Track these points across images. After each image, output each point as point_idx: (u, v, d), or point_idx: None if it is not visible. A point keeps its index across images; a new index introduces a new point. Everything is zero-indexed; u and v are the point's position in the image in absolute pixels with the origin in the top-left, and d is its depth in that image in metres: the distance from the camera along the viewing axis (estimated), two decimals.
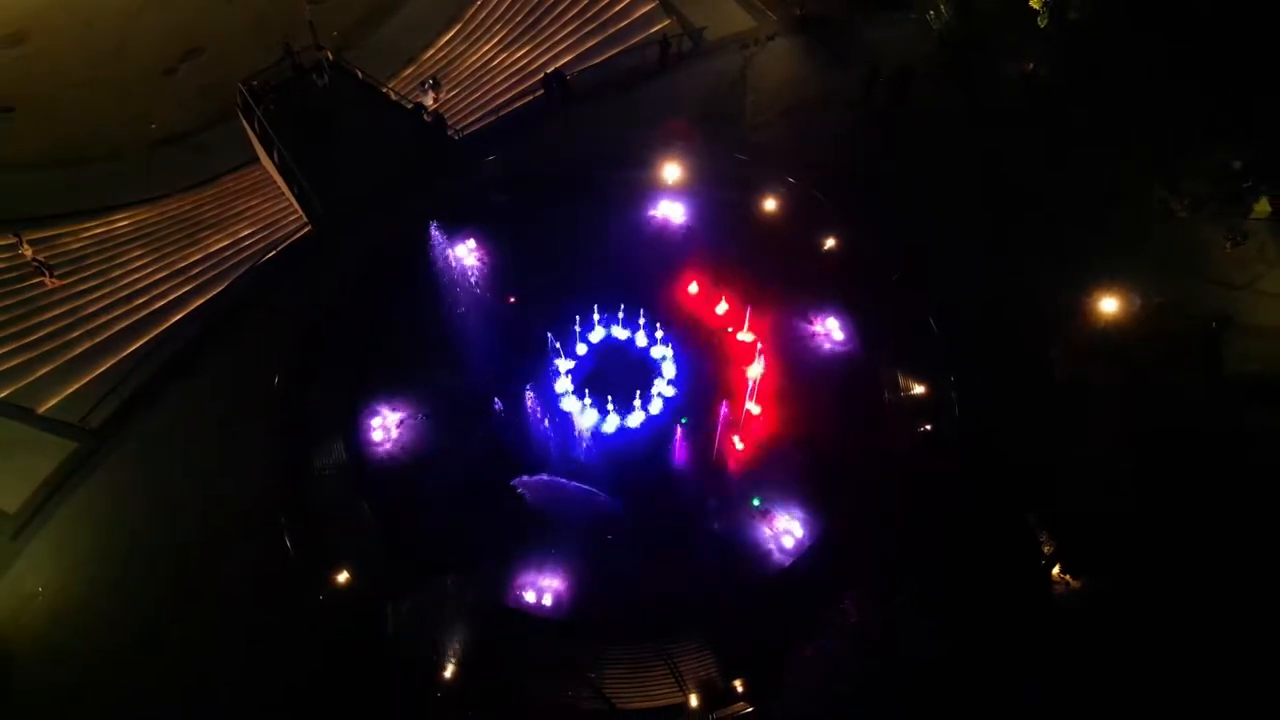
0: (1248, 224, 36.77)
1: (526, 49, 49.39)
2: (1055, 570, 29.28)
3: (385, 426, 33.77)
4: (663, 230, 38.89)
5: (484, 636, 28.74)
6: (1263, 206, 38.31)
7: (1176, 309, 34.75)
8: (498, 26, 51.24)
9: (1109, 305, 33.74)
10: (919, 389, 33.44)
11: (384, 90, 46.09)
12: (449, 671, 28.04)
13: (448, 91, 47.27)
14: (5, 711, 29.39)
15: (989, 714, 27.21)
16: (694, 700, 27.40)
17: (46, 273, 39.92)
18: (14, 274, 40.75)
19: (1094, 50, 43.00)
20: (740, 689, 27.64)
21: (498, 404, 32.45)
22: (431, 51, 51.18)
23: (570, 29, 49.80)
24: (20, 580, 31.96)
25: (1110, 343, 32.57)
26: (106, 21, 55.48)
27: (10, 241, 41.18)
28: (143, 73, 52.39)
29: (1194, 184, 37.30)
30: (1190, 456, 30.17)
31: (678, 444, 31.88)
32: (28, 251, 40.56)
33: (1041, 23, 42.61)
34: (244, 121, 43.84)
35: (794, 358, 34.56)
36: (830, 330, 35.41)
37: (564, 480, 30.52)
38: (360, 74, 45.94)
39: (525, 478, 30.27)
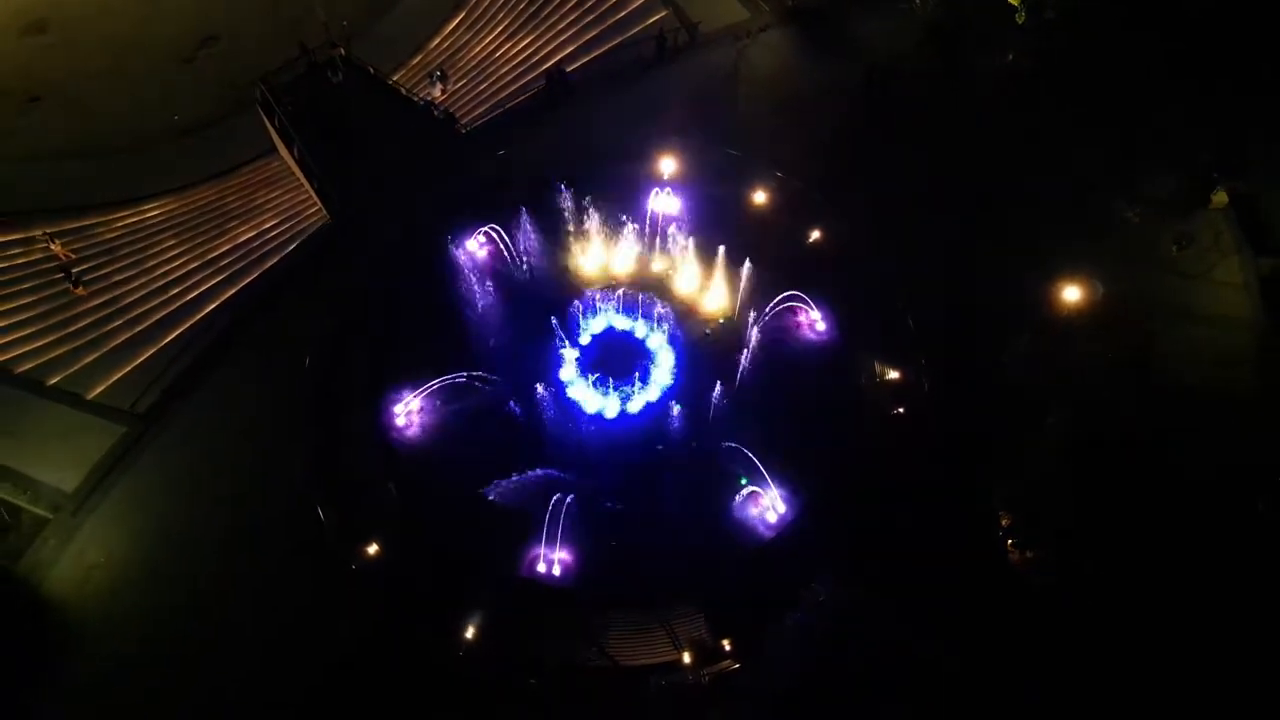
0: (1193, 228, 39.54)
1: (529, 39, 51.56)
2: (1010, 542, 32.67)
3: (408, 410, 36.81)
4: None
5: (500, 603, 32.26)
6: (1220, 197, 41.19)
7: (1129, 302, 37.79)
8: (501, 15, 53.27)
9: (1070, 294, 36.62)
10: (893, 374, 36.60)
11: (397, 87, 48.48)
12: (469, 634, 31.59)
13: (454, 83, 49.65)
14: (77, 671, 33.04)
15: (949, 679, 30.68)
16: (688, 658, 30.99)
17: (73, 283, 42.63)
18: (52, 264, 43.56)
19: (1071, 44, 45.31)
20: (729, 648, 31.20)
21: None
22: (437, 40, 53.22)
23: (570, 19, 51.89)
24: (82, 553, 35.52)
25: (1059, 345, 35.66)
26: (124, 9, 57.35)
27: (36, 234, 44.16)
28: (162, 62, 54.42)
29: (1157, 183, 40.19)
30: (1120, 456, 33.53)
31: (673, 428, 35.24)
32: (58, 249, 43.45)
33: (1020, 19, 44.91)
34: (265, 118, 46.21)
35: (778, 345, 37.50)
36: (812, 320, 38.28)
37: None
38: (372, 70, 48.18)
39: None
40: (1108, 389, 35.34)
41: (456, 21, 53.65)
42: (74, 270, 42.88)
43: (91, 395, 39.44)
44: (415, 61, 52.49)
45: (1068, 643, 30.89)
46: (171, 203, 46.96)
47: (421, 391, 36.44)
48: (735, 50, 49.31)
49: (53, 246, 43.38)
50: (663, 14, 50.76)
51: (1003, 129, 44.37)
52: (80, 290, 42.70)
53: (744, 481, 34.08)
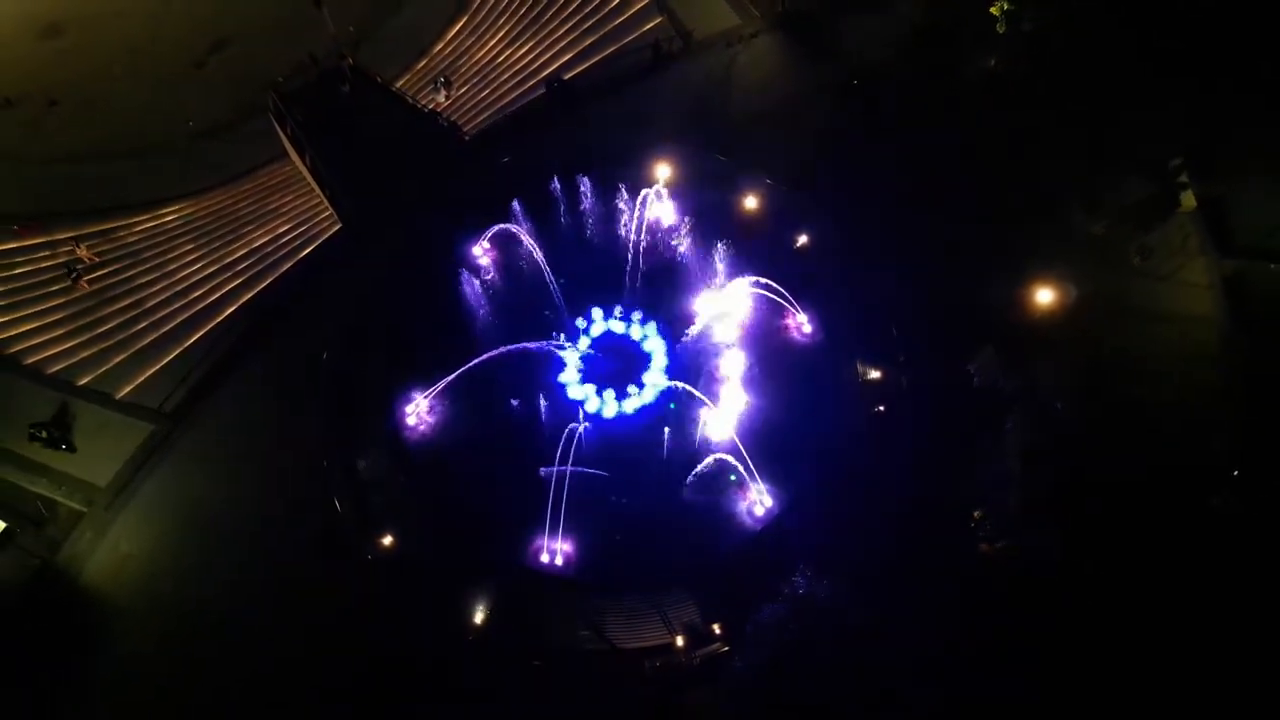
0: (1155, 239, 41.65)
1: (529, 45, 53.43)
2: (980, 534, 35.16)
3: (418, 410, 39.19)
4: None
5: (507, 591, 34.90)
6: (1189, 200, 43.18)
7: (1101, 304, 40.11)
8: (502, 20, 55.06)
9: (1044, 297, 38.73)
10: (874, 374, 39.03)
11: (404, 95, 50.52)
12: (478, 619, 34.21)
13: (457, 89, 51.59)
14: (115, 656, 35.71)
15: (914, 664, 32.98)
16: (680, 641, 33.64)
17: (74, 278, 44.96)
18: (80, 266, 45.79)
19: (1051, 53, 47.11)
20: (718, 632, 33.81)
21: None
22: (441, 45, 55.01)
23: (569, 25, 53.77)
24: (116, 544, 38.19)
25: (1031, 350, 38.45)
26: (136, 14, 59.13)
27: (62, 237, 46.43)
28: (175, 67, 56.29)
29: (1128, 192, 42.49)
30: (1085, 454, 36.18)
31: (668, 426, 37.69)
32: (84, 253, 45.73)
33: (1000, 29, 46.64)
34: (277, 127, 48.20)
35: (767, 348, 39.92)
36: (800, 324, 40.60)
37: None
38: (379, 79, 50.13)
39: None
40: (1075, 388, 37.70)
41: (459, 26, 55.42)
42: (76, 266, 45.15)
43: (120, 395, 41.92)
44: (420, 66, 54.32)
45: (1036, 629, 33.13)
46: (188, 207, 49.08)
47: (434, 389, 38.79)
48: (728, 56, 51.15)
49: (78, 250, 45.60)
50: (658, 20, 52.55)
51: (983, 136, 46.24)
52: (83, 285, 44.99)
53: (733, 478, 36.49)
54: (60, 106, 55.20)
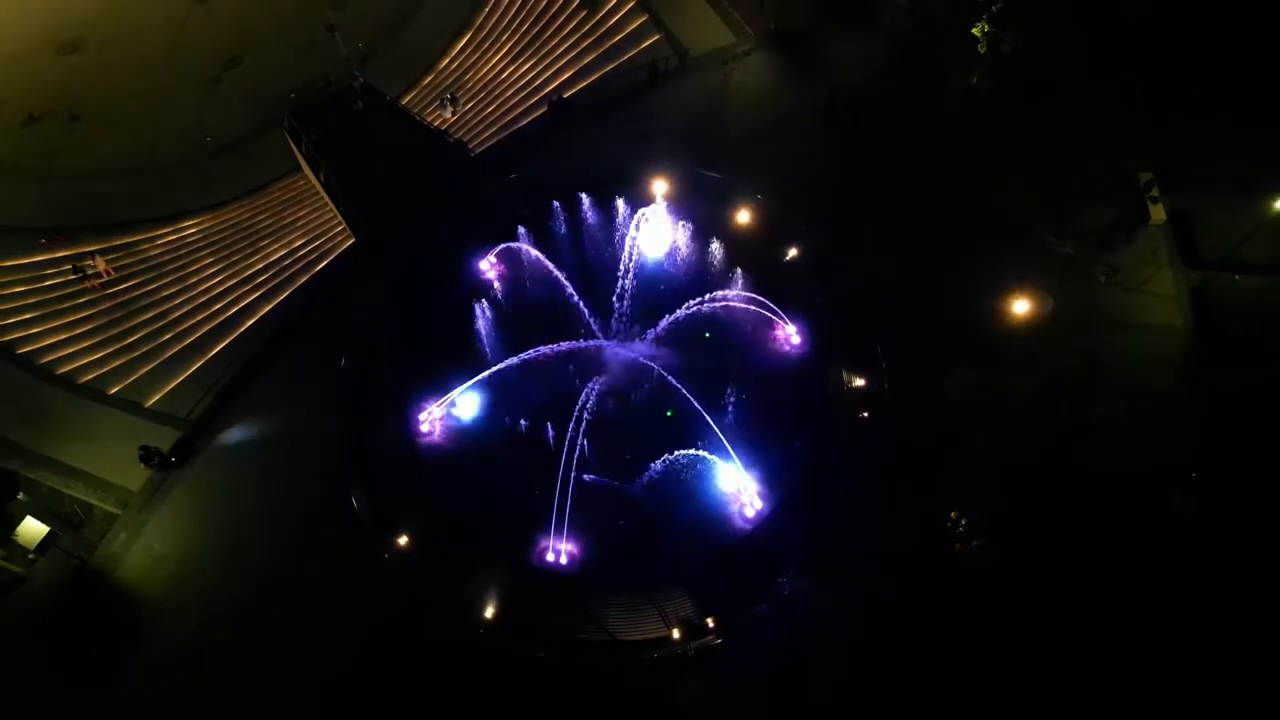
0: (1120, 258, 44.07)
1: (531, 62, 55.68)
2: (956, 534, 37.76)
3: (432, 417, 41.68)
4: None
5: (514, 587, 37.51)
6: (1159, 214, 45.52)
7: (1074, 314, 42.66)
8: (505, 36, 57.32)
9: (1020, 308, 41.15)
10: (858, 382, 41.57)
11: (414, 113, 52.78)
12: (488, 614, 36.81)
13: (464, 104, 53.84)
14: (150, 649, 38.24)
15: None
16: (676, 634, 36.12)
17: (82, 277, 47.52)
18: (101, 279, 48.37)
19: (1029, 73, 49.38)
20: (712, 625, 36.28)
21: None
22: (446, 60, 57.28)
23: (569, 43, 56.02)
24: (149, 546, 40.72)
25: (1004, 364, 41.05)
26: (152, 30, 61.31)
27: (87, 250, 48.87)
28: (191, 82, 58.52)
29: (1096, 206, 45.07)
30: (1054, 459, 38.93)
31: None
32: (102, 265, 48.16)
33: (981, 49, 48.90)
34: (293, 145, 50.48)
35: (759, 358, 42.49)
36: (788, 334, 43.09)
37: None
38: (389, 97, 52.39)
39: None
40: (1045, 394, 40.22)
41: (464, 43, 57.64)
42: (85, 268, 47.68)
43: (149, 403, 44.40)
44: (427, 80, 56.57)
45: (1013, 627, 35.73)
46: (208, 220, 51.48)
47: (446, 398, 41.26)
48: (723, 73, 53.35)
49: (98, 263, 47.96)
50: (655, 38, 54.74)
51: (962, 153, 48.73)
52: (92, 284, 47.55)
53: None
54: (81, 122, 57.43)
